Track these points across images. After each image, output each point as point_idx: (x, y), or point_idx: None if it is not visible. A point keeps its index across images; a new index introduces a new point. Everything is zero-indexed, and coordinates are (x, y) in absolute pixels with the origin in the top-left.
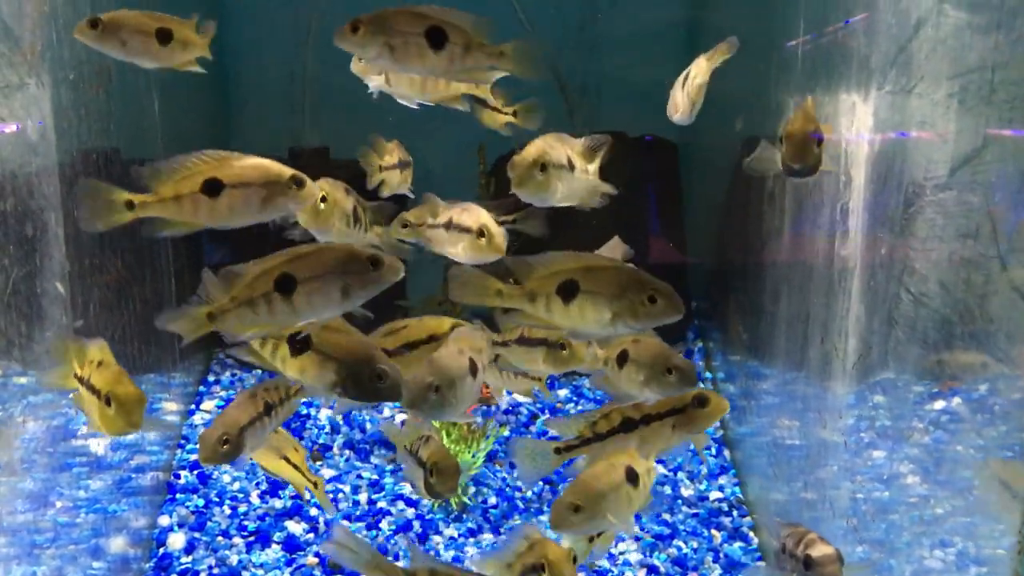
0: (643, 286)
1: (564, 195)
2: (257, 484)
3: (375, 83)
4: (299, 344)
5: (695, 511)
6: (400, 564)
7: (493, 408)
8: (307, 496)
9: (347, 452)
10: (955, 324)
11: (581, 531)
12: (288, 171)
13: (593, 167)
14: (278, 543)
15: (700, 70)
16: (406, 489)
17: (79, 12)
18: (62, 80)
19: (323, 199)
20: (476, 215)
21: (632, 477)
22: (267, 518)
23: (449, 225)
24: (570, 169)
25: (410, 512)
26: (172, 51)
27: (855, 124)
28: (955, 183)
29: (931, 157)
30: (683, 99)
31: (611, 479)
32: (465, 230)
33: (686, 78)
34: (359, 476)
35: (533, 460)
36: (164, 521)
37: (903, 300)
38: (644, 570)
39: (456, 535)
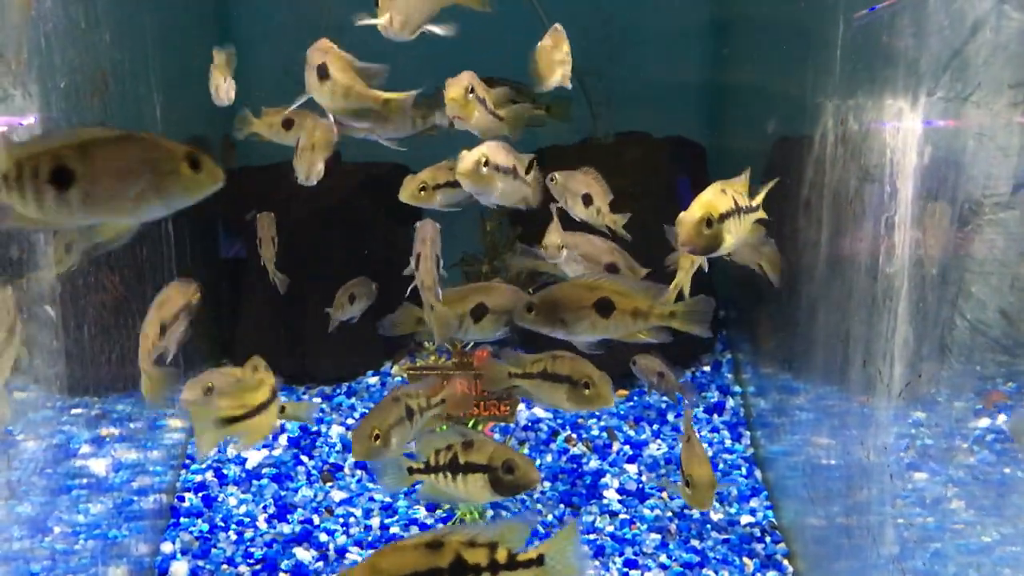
0: None
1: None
2: (264, 507)
3: None
4: None
5: (725, 537)
6: None
7: (512, 426)
8: None
9: (359, 473)
10: (1020, 357)
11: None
12: None
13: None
14: (286, 572)
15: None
16: (420, 513)
17: (70, 15)
18: (52, 89)
19: None
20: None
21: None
22: (275, 544)
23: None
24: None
25: None
26: None
27: (901, 132)
28: (1019, 202)
29: (990, 172)
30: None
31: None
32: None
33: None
34: (371, 499)
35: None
36: (167, 548)
37: (958, 327)
38: None
39: None
